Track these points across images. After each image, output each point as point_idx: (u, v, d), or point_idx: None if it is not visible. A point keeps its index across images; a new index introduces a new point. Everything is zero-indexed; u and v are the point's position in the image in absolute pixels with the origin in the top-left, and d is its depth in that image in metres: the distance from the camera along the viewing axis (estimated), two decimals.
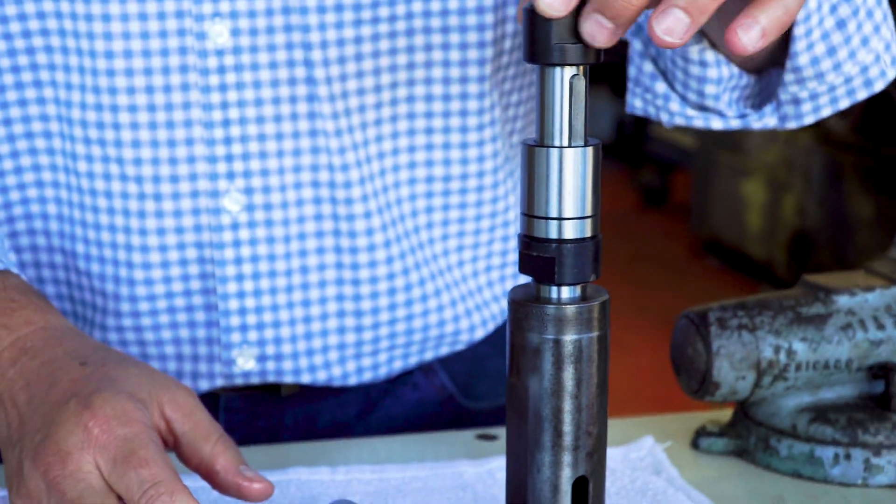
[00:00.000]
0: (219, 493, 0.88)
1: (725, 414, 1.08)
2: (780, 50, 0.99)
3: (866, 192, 4.63)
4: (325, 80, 1.03)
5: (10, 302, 0.95)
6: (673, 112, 1.06)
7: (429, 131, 1.09)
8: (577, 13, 0.72)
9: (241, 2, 1.00)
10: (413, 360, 1.15)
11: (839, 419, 0.99)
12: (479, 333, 1.16)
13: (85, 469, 0.83)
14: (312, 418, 1.15)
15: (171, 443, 0.88)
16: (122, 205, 1.05)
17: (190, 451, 0.88)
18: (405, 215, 1.10)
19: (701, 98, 1.03)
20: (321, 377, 1.10)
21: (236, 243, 1.05)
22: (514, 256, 1.17)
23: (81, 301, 1.10)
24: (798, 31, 0.96)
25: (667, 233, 6.59)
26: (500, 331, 1.19)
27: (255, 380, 1.09)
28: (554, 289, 0.75)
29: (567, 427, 0.76)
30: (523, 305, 0.76)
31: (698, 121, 1.06)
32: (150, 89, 1.02)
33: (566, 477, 0.77)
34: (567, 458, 0.76)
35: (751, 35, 0.72)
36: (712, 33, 0.97)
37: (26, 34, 1.01)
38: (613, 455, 1.02)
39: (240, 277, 1.06)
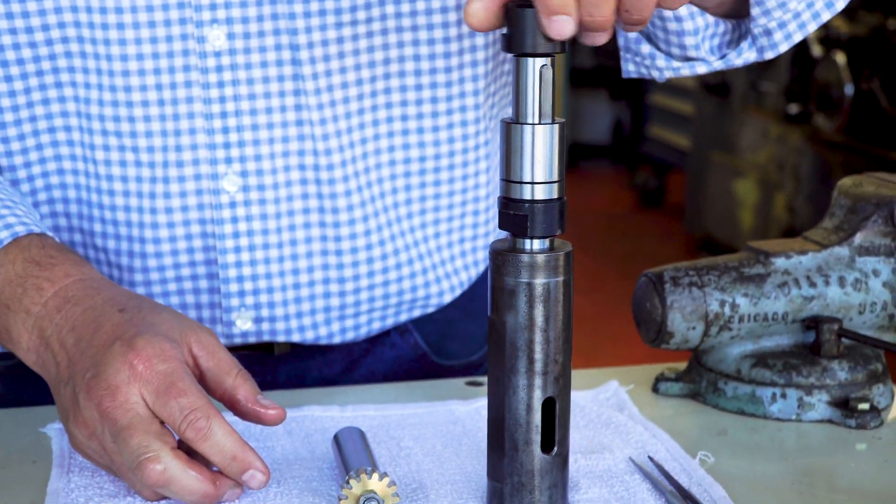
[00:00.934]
0: (240, 419, 1.02)
1: (681, 364, 1.24)
2: None
3: None
4: (311, 76, 1.17)
5: (50, 258, 1.09)
6: (661, 68, 1.20)
7: (404, 118, 1.23)
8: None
9: (236, 10, 1.14)
10: (390, 322, 1.30)
11: (777, 364, 1.15)
12: (448, 298, 1.31)
13: (132, 400, 0.97)
14: (302, 375, 1.30)
15: (198, 377, 1.02)
16: (136, 187, 1.19)
17: (214, 384, 1.03)
18: (385, 192, 1.24)
19: (683, 50, 1.17)
20: (309, 336, 1.25)
21: (234, 219, 1.20)
22: (483, 229, 1.32)
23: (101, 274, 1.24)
24: None
25: (662, 232, 6.73)
26: (466, 296, 1.34)
27: (251, 339, 1.24)
28: (527, 241, 0.92)
29: (538, 356, 0.92)
30: (502, 254, 0.92)
31: (685, 70, 1.19)
32: (158, 86, 1.16)
33: (537, 397, 0.93)
34: (538, 381, 0.93)
35: None
36: None
37: (48, 42, 1.14)
38: (584, 396, 1.18)
39: (238, 249, 1.20)
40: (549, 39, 0.88)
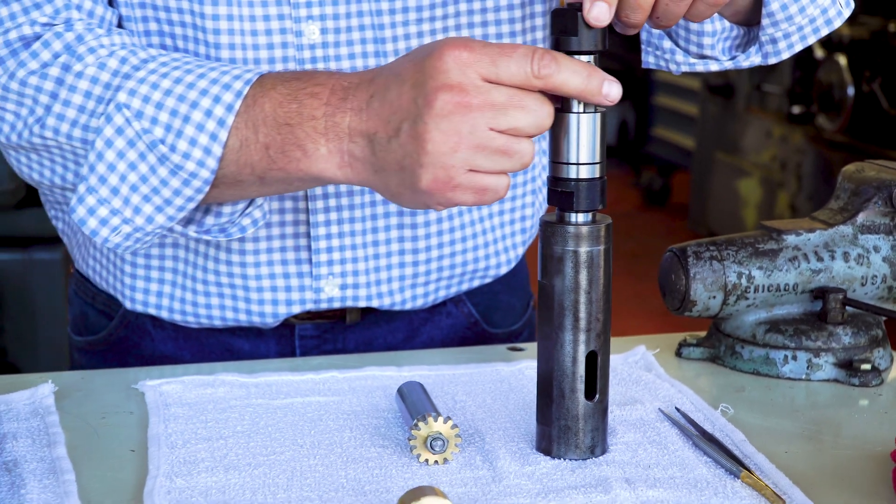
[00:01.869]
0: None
1: (701, 333, 1.37)
2: (757, 5, 1.26)
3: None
4: None
5: (304, 71, 1.16)
6: (679, 62, 1.36)
7: None
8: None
9: (329, 7, 1.28)
10: (453, 290, 1.44)
11: (788, 329, 1.29)
12: (504, 270, 1.46)
13: (476, 82, 1.01)
14: (370, 342, 1.44)
15: None
16: None
17: None
18: None
19: (700, 49, 1.32)
20: (386, 302, 1.39)
21: (325, 195, 1.33)
22: (539, 208, 1.47)
23: (204, 242, 1.34)
24: None
25: (667, 231, 6.84)
26: (512, 272, 1.49)
27: (336, 304, 1.37)
28: (573, 215, 1.05)
29: (582, 314, 1.06)
30: (551, 226, 1.06)
31: (699, 66, 1.35)
32: None
33: (581, 351, 1.06)
34: (582, 336, 1.06)
35: None
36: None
37: (160, 34, 1.26)
38: (614, 360, 1.31)
39: (328, 223, 1.34)
40: (592, 38, 1.02)
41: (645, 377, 1.27)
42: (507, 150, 1.03)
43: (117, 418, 1.17)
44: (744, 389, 1.26)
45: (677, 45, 1.35)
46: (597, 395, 1.07)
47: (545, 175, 1.46)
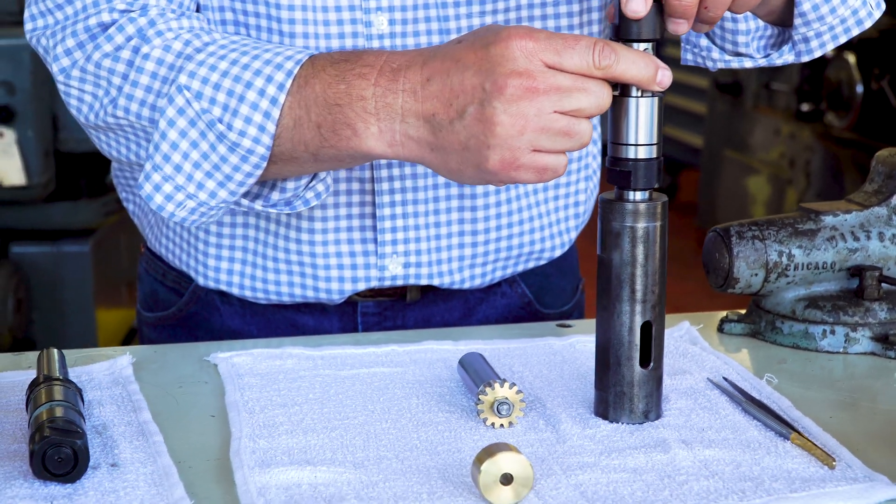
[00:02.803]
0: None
1: (741, 310, 1.44)
2: (790, 6, 1.33)
3: None
4: None
5: (352, 52, 1.19)
6: (715, 59, 1.42)
7: None
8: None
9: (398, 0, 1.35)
10: (509, 271, 1.50)
11: (826, 305, 1.35)
12: (558, 252, 1.52)
13: (535, 64, 1.07)
14: (428, 320, 1.50)
15: None
16: None
17: None
18: None
19: (735, 46, 1.40)
20: (446, 280, 1.45)
21: (391, 178, 1.40)
22: (593, 194, 1.54)
23: (276, 221, 1.40)
24: None
25: (676, 228, 6.88)
26: (563, 256, 1.56)
27: (399, 282, 1.44)
28: (631, 193, 1.12)
29: (638, 286, 1.12)
30: (610, 203, 1.12)
31: (734, 63, 1.42)
32: None
33: (637, 321, 1.13)
34: (638, 308, 1.13)
35: None
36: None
37: (236, 23, 1.33)
38: None
39: (392, 203, 1.40)
40: (650, 28, 1.09)
41: (691, 350, 1.33)
42: (568, 131, 1.09)
43: (193, 387, 1.24)
44: (785, 361, 1.33)
45: (713, 42, 1.42)
46: (651, 364, 1.14)
47: (595, 163, 1.53)
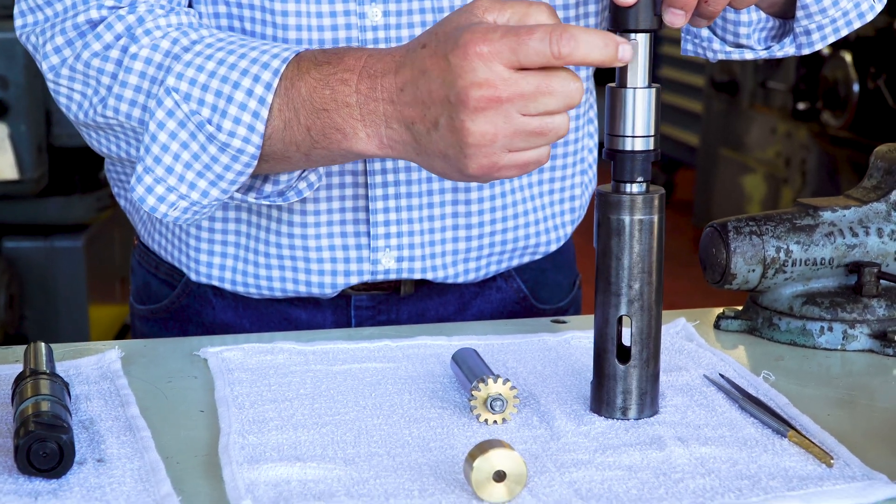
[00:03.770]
0: None
1: (738, 307, 1.42)
2: None
3: None
4: None
5: (334, 54, 1.17)
6: (716, 50, 1.41)
7: None
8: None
9: None
10: (504, 266, 1.49)
11: (824, 302, 1.34)
12: (553, 247, 1.51)
13: (497, 72, 1.05)
14: (422, 314, 1.49)
15: None
16: None
17: None
18: None
19: (736, 38, 1.38)
20: (440, 275, 1.44)
21: (384, 171, 1.38)
22: (590, 188, 1.52)
23: (267, 216, 1.39)
24: None
25: (671, 227, 6.90)
26: (560, 251, 1.54)
27: (392, 276, 1.42)
28: (627, 185, 1.10)
29: (612, 279, 1.10)
30: (605, 195, 1.10)
31: (735, 55, 1.40)
32: None
33: (613, 314, 1.11)
34: (614, 300, 1.11)
35: None
36: None
37: (229, 16, 1.32)
38: None
39: (386, 197, 1.39)
40: (647, 19, 1.07)
41: (687, 346, 1.31)
42: (541, 131, 1.08)
43: (183, 382, 1.22)
44: (782, 358, 1.31)
45: (714, 33, 1.40)
46: (630, 360, 1.11)
47: (592, 157, 1.52)
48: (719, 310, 1.42)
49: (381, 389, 1.19)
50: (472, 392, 1.11)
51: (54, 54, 1.26)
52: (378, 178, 1.39)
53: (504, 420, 1.11)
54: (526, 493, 0.97)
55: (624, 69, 1.09)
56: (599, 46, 1.04)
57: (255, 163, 1.20)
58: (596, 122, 1.55)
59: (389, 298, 1.47)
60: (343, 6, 1.33)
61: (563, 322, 1.42)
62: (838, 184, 5.08)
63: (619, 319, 1.11)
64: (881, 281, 1.34)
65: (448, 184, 1.41)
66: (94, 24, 1.25)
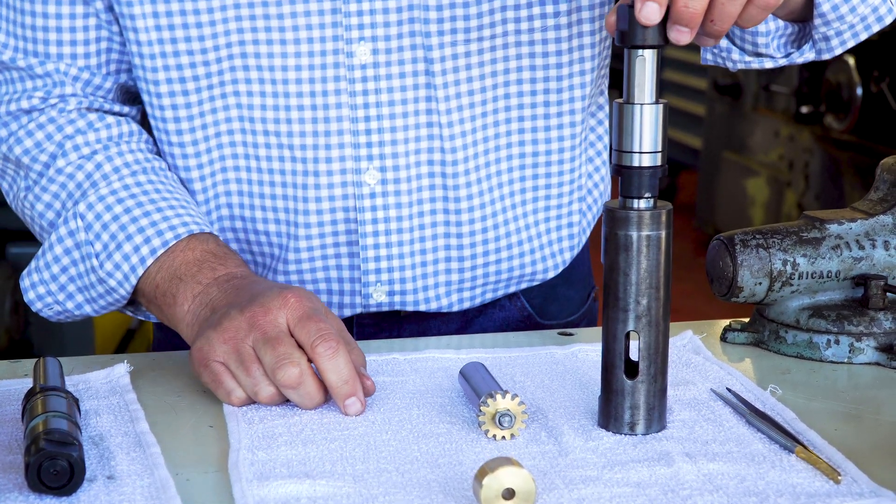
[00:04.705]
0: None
1: (745, 319, 1.42)
2: (809, 4, 1.32)
3: (863, 188, 4.88)
4: (442, 84, 1.37)
5: (225, 253, 1.32)
6: (735, 60, 1.40)
7: (520, 119, 1.42)
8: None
9: (380, 29, 1.33)
10: (500, 293, 1.49)
11: (831, 314, 1.34)
12: (551, 274, 1.51)
13: (279, 321, 1.18)
14: (423, 332, 1.49)
15: None
16: (291, 180, 1.39)
17: None
18: (502, 183, 1.44)
19: (755, 47, 1.37)
20: (433, 306, 1.45)
21: (373, 208, 1.39)
22: (590, 215, 1.52)
23: (261, 253, 1.44)
24: None
25: (674, 230, 6.89)
26: (571, 266, 1.54)
27: (385, 308, 1.44)
28: (635, 200, 1.10)
29: (621, 294, 1.11)
30: (613, 210, 1.11)
31: (755, 63, 1.40)
32: (312, 94, 1.35)
33: (621, 330, 1.11)
34: (622, 315, 1.11)
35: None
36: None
37: (218, 60, 1.34)
38: None
39: (376, 233, 1.40)
40: (654, 35, 1.07)
41: (694, 359, 1.32)
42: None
43: (192, 397, 1.22)
44: (789, 371, 1.31)
45: (733, 42, 1.40)
46: (638, 375, 1.12)
47: (591, 182, 1.51)
48: (725, 322, 1.42)
49: (389, 404, 1.19)
50: (481, 407, 1.11)
51: None
52: (368, 215, 1.40)
53: (512, 436, 1.11)
54: None
55: (631, 85, 1.09)
56: (318, 390, 1.17)
57: (126, 301, 1.36)
58: (601, 146, 1.54)
59: (390, 318, 1.48)
60: (333, 45, 1.33)
61: (571, 335, 1.42)
62: (841, 187, 5.07)
63: (627, 335, 1.12)
64: (888, 294, 1.34)
65: (440, 217, 1.42)
66: (26, 112, 1.38)
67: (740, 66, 1.41)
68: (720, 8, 1.10)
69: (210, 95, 1.36)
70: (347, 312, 1.44)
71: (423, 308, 1.45)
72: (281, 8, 1.32)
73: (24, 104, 1.37)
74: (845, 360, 1.33)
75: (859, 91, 4.83)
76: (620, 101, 1.10)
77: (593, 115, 1.52)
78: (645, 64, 1.08)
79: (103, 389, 1.22)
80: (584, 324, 1.60)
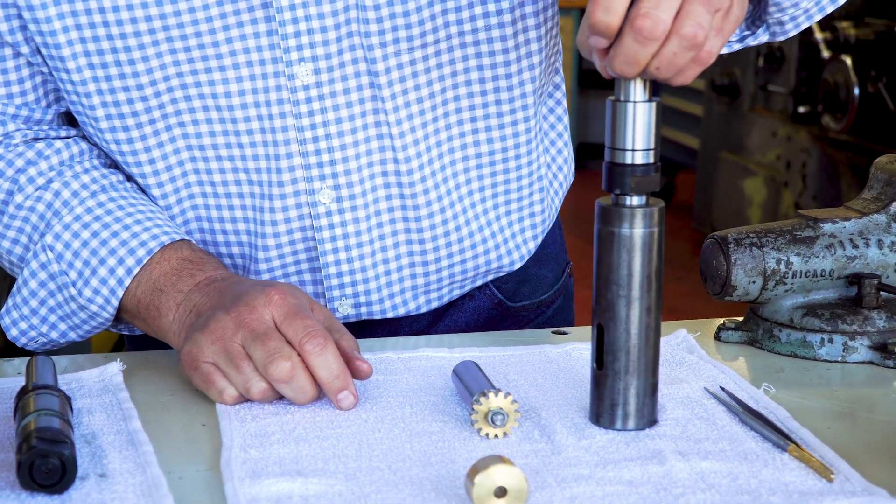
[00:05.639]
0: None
1: (739, 318, 1.42)
2: None
3: (861, 187, 4.89)
4: (389, 96, 1.36)
5: (201, 258, 1.33)
6: None
7: (472, 120, 1.42)
8: None
9: (320, 48, 1.31)
10: (467, 289, 1.50)
11: (824, 313, 1.34)
12: (518, 265, 1.51)
13: (266, 318, 1.18)
14: (395, 330, 1.50)
15: None
16: (250, 202, 1.39)
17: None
18: (459, 185, 1.44)
19: None
20: (401, 311, 1.46)
21: (331, 226, 1.39)
22: (552, 206, 1.52)
23: None
24: None
25: (671, 230, 6.89)
26: (542, 245, 1.54)
27: (352, 320, 1.44)
28: (627, 197, 1.10)
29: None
30: (606, 208, 1.11)
31: None
32: (259, 117, 1.34)
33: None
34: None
35: None
36: None
37: (157, 94, 1.32)
38: None
39: (336, 250, 1.40)
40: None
41: (688, 358, 1.32)
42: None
43: (184, 395, 1.22)
44: (783, 370, 1.31)
45: None
46: (604, 367, 1.12)
47: (551, 173, 1.51)
48: (720, 320, 1.42)
49: (382, 402, 1.19)
50: (474, 406, 1.11)
51: None
52: (326, 234, 1.40)
53: (505, 434, 1.11)
54: None
55: (624, 83, 1.09)
56: (310, 384, 1.17)
57: (110, 322, 1.36)
58: (561, 127, 1.53)
59: (360, 323, 1.48)
60: (273, 68, 1.32)
61: (565, 333, 1.42)
62: (839, 187, 5.08)
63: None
64: (881, 293, 1.34)
65: (400, 225, 1.42)
66: None
67: None
68: (670, 58, 1.06)
69: (154, 130, 1.35)
70: None
71: (390, 315, 1.46)
72: (215, 36, 1.30)
73: None
74: (839, 359, 1.33)
75: (857, 91, 4.83)
76: (613, 98, 1.10)
77: (551, 96, 1.52)
78: None
79: (96, 388, 1.22)
80: (559, 301, 1.59)
